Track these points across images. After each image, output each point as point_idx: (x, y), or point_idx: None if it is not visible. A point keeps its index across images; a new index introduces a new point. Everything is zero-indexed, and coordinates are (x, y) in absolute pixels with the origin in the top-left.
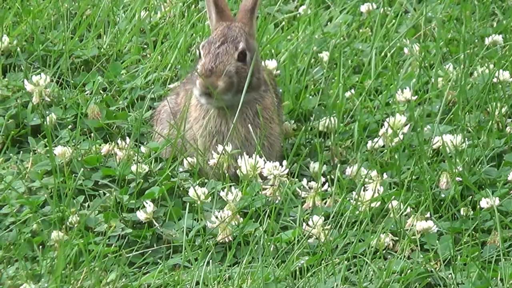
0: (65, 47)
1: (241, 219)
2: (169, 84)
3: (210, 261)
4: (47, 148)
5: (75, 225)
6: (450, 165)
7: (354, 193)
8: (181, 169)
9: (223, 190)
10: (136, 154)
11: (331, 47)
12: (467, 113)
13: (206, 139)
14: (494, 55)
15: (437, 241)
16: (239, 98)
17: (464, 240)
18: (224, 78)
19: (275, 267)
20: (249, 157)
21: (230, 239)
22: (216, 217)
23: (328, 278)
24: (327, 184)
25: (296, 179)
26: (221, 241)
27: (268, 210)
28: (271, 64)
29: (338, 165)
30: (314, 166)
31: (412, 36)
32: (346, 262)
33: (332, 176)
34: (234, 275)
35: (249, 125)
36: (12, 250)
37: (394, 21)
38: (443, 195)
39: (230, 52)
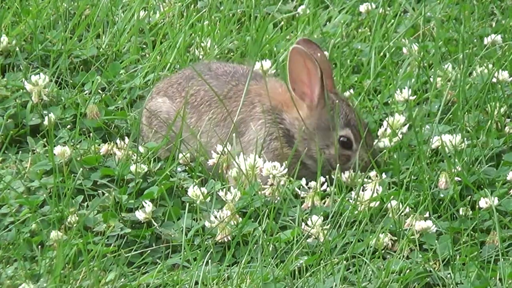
0: (64, 47)
1: (240, 219)
2: None
3: (209, 261)
4: (46, 148)
5: (74, 225)
6: (449, 165)
7: (353, 193)
8: (179, 169)
9: (222, 190)
10: (135, 154)
11: (330, 47)
12: (466, 113)
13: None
14: (493, 55)
15: (436, 241)
16: None
17: (463, 240)
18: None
19: (274, 267)
20: None
21: (229, 239)
22: (215, 217)
23: (327, 278)
24: (326, 184)
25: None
26: (220, 241)
27: (267, 210)
28: (265, 64)
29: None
30: None
31: (411, 36)
32: (345, 262)
33: (332, 176)
34: (233, 275)
35: None
36: (11, 250)
37: (393, 21)
38: (442, 195)
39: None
